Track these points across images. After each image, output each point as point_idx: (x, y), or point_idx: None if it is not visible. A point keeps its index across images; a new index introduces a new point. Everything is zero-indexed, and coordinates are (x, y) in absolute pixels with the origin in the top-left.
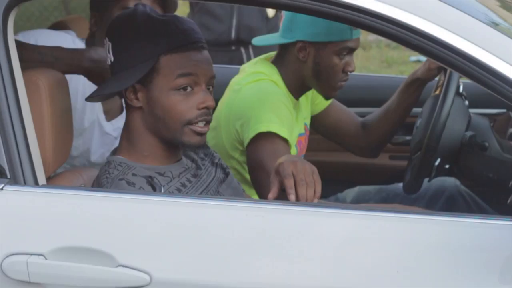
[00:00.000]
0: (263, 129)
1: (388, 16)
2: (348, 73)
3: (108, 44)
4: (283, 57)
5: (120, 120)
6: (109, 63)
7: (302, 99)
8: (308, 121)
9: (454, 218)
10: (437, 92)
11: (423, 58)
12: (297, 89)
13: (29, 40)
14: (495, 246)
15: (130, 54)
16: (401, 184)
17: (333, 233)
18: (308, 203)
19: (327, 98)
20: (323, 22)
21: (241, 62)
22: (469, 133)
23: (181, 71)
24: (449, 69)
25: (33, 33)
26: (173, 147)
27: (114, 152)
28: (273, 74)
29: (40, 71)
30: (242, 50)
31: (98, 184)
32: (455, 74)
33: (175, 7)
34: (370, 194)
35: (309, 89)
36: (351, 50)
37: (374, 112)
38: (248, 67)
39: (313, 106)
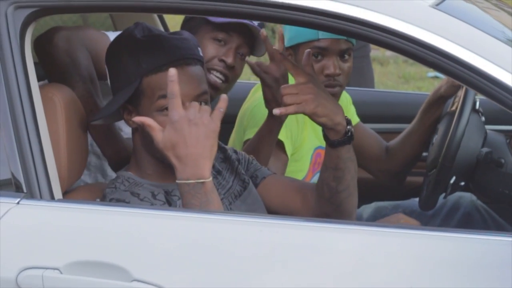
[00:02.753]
0: (248, 136)
1: (403, 33)
2: (332, 77)
3: (106, 68)
4: None
5: None
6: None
7: None
8: None
9: (468, 235)
10: (453, 108)
11: (441, 74)
12: None
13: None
14: (510, 263)
15: (117, 76)
16: (417, 199)
17: (347, 249)
18: (322, 219)
19: None
20: (292, 26)
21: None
22: (485, 150)
23: (161, 92)
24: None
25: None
26: (167, 165)
27: (126, 168)
28: None
29: (56, 87)
30: None
31: (103, 196)
32: (471, 92)
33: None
34: (386, 210)
35: None
36: (324, 51)
37: (398, 136)
38: None
39: None
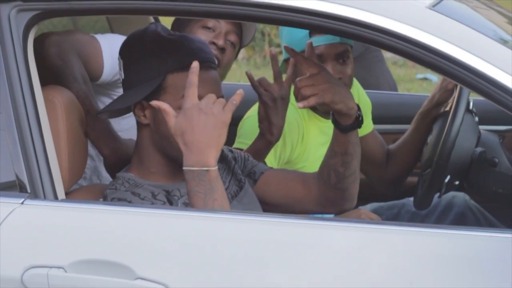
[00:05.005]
0: (236, 145)
1: (402, 34)
2: None
3: (120, 62)
4: None
5: (128, 119)
6: (121, 80)
7: None
8: None
9: (464, 232)
10: (448, 108)
11: (430, 76)
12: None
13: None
14: (505, 258)
15: (138, 71)
16: (412, 199)
17: (347, 246)
18: (322, 217)
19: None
20: (288, 36)
21: None
22: (479, 149)
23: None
24: (459, 87)
25: (109, 37)
26: (180, 165)
27: (126, 169)
28: None
29: (55, 89)
30: None
31: (103, 197)
32: (465, 92)
33: (251, 36)
34: (382, 210)
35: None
36: (320, 58)
37: (394, 145)
38: None
39: None
